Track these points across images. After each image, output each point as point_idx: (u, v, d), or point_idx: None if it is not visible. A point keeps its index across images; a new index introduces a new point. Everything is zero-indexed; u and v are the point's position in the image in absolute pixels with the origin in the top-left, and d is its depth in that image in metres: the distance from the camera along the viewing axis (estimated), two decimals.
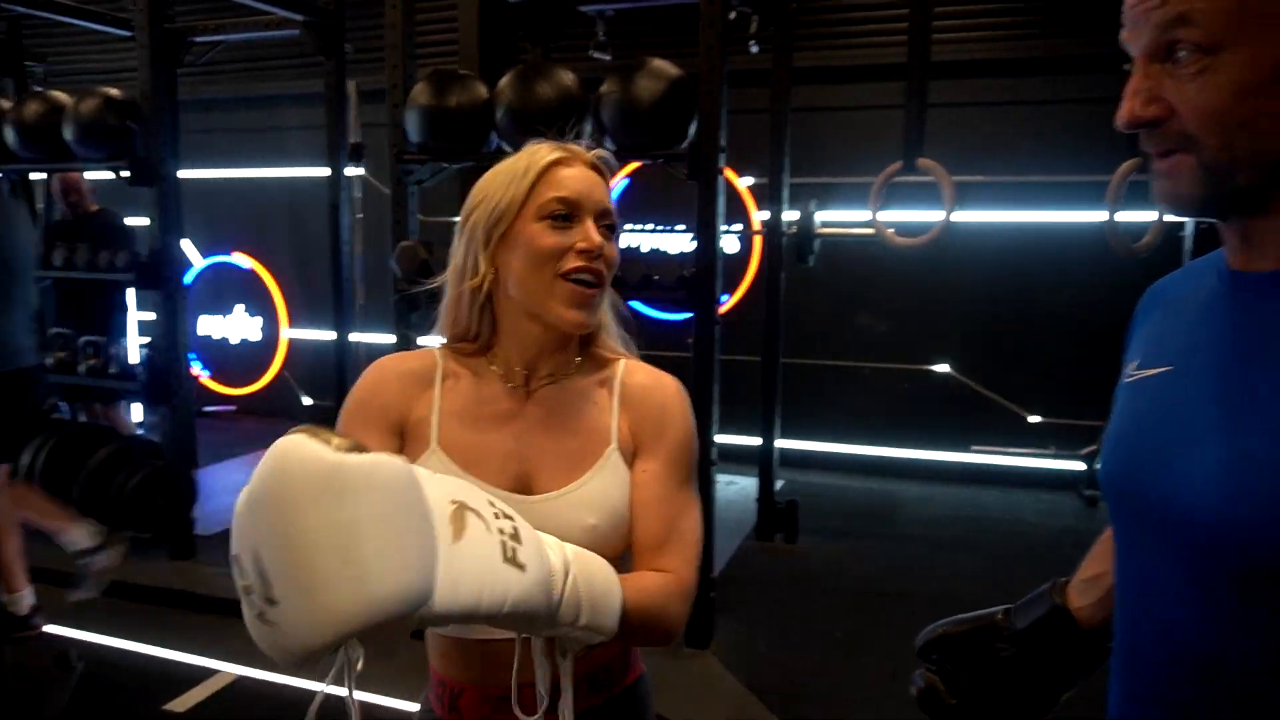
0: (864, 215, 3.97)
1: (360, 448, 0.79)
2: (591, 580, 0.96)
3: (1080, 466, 5.10)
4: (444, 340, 1.21)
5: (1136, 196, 3.53)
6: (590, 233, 1.11)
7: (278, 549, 0.75)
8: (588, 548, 1.01)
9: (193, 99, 5.66)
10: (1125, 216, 3.70)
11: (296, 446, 0.77)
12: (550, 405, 1.17)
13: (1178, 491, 0.78)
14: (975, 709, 1.03)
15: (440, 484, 0.86)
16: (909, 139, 3.44)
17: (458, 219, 1.18)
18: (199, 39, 4.20)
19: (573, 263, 1.10)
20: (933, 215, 3.70)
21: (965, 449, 5.27)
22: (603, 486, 1.13)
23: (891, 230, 3.82)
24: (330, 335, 4.87)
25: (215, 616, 3.43)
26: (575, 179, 1.13)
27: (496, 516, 0.88)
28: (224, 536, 0.86)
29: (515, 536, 0.88)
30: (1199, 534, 0.76)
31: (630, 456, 1.16)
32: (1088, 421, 4.88)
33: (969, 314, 5.16)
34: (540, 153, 1.14)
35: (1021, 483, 5.11)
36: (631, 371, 1.21)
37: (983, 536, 4.50)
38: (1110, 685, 0.90)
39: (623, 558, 1.13)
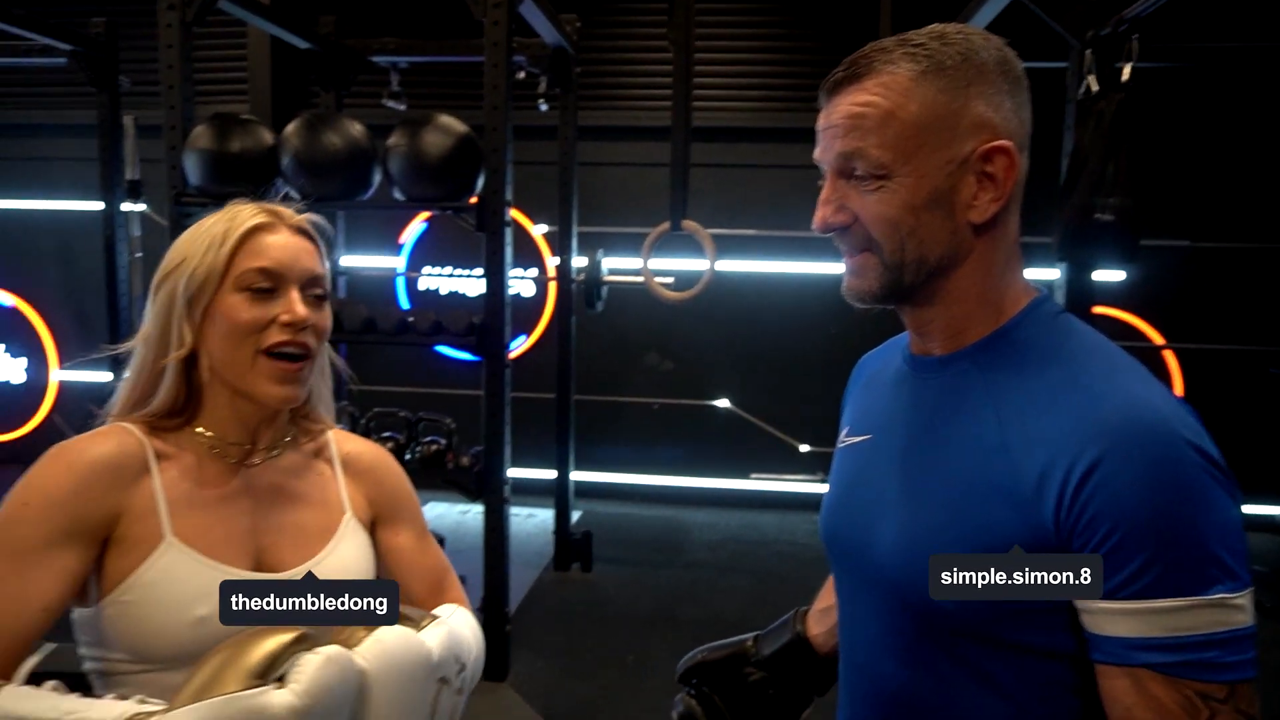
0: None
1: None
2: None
3: None
4: (125, 416, 1.08)
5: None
6: (294, 304, 1.05)
7: None
8: None
9: None
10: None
11: None
12: (276, 478, 1.12)
13: (872, 549, 0.91)
14: None
15: None
16: (674, 204, 3.75)
17: None
18: None
19: (276, 337, 1.04)
20: (703, 264, 4.03)
21: (745, 476, 5.65)
22: (349, 554, 1.12)
23: (662, 283, 4.12)
24: (107, 377, 4.65)
25: None
26: (278, 246, 1.06)
27: None
28: None
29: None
30: (886, 586, 0.90)
31: (367, 524, 1.17)
32: None
33: (745, 354, 5.54)
34: (241, 216, 1.07)
35: (795, 506, 5.49)
36: (344, 441, 1.21)
37: (760, 558, 4.87)
38: (838, 708, 1.05)
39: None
